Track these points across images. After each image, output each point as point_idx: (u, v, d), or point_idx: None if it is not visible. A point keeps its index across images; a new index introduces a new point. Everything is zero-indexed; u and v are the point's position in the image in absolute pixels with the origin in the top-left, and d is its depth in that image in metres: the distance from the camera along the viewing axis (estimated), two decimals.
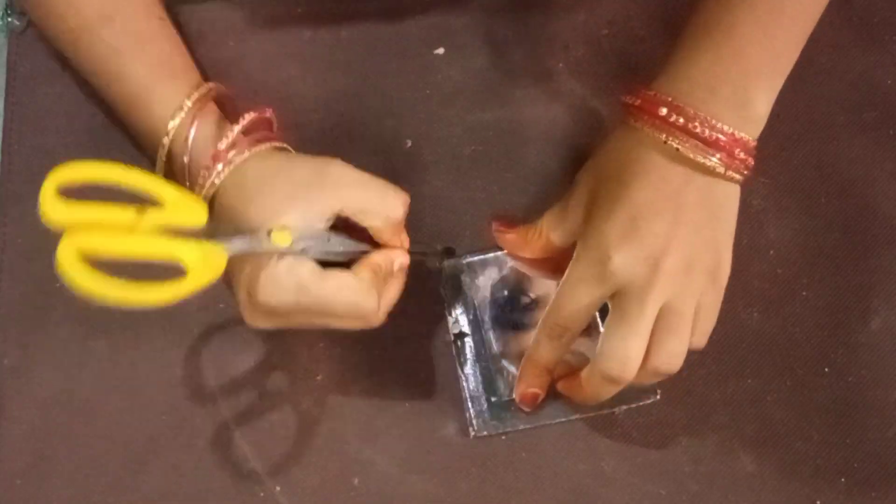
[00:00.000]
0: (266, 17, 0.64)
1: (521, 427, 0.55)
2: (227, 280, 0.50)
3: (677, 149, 0.49)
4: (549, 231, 0.53)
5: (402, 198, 0.51)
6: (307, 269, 0.48)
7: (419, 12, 0.64)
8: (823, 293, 0.58)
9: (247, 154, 0.50)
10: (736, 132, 0.49)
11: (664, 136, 0.49)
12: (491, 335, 0.57)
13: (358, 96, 0.62)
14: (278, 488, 0.54)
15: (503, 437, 0.55)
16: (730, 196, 0.50)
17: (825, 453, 0.55)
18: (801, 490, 0.54)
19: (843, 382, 0.56)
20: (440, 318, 0.58)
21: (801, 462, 0.54)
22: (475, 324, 0.57)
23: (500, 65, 0.64)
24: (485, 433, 0.55)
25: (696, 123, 0.49)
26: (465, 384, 0.56)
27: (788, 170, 0.61)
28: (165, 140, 0.52)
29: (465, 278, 0.58)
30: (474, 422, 0.55)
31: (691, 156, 0.49)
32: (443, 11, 0.64)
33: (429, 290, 0.57)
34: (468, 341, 0.57)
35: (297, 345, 0.57)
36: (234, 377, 0.56)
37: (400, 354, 0.57)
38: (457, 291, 0.58)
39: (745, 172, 0.50)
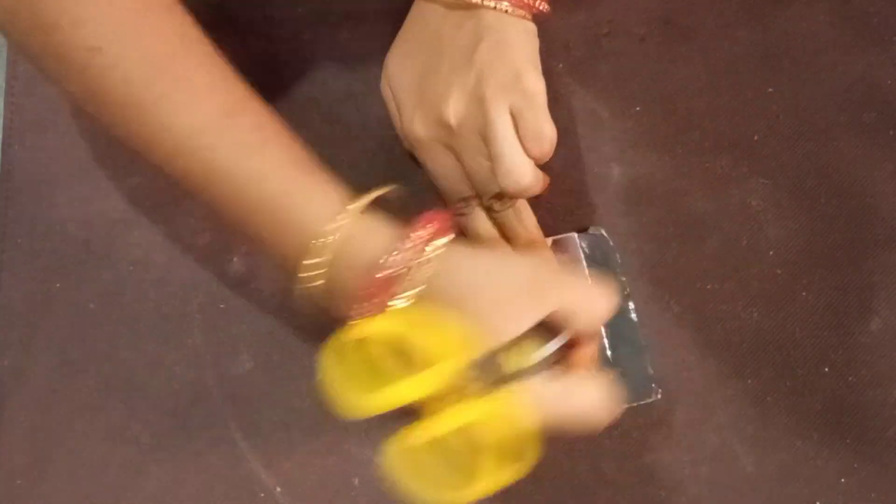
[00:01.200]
0: (265, 17, 0.64)
1: None
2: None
3: None
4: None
5: (608, 297, 0.47)
6: (541, 386, 0.45)
7: None
8: (823, 293, 0.58)
9: (443, 247, 0.46)
10: None
11: None
12: None
13: (358, 96, 0.62)
14: (278, 488, 0.54)
15: None
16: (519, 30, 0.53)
17: (825, 453, 0.55)
18: (801, 490, 0.54)
19: (843, 382, 0.56)
20: None
21: (801, 462, 0.54)
22: None
23: None
24: None
25: None
26: None
27: (788, 170, 0.61)
28: (330, 238, 0.46)
29: None
30: None
31: None
32: None
33: None
34: None
35: (297, 344, 0.57)
36: (234, 377, 0.56)
37: None
38: None
39: None
